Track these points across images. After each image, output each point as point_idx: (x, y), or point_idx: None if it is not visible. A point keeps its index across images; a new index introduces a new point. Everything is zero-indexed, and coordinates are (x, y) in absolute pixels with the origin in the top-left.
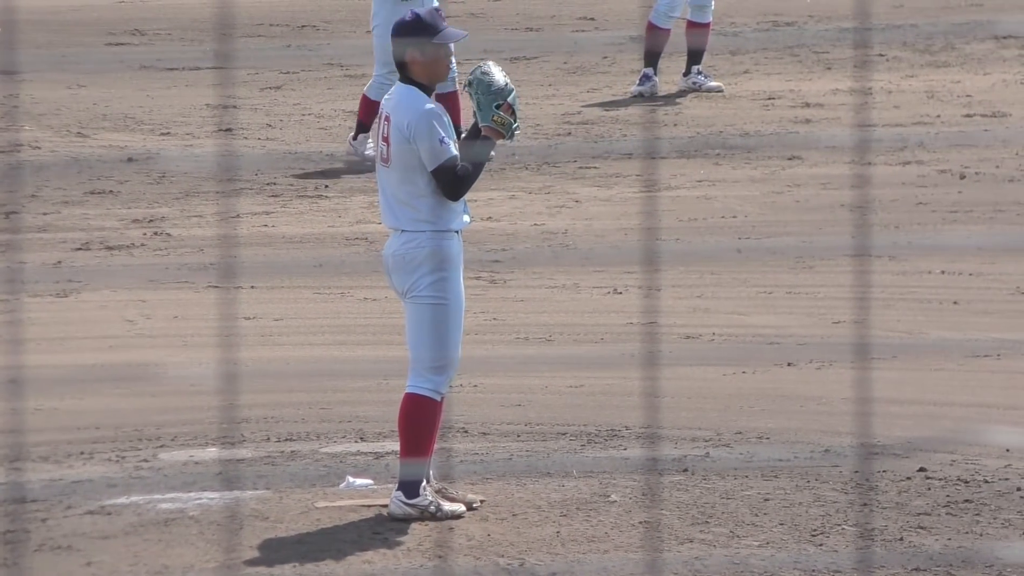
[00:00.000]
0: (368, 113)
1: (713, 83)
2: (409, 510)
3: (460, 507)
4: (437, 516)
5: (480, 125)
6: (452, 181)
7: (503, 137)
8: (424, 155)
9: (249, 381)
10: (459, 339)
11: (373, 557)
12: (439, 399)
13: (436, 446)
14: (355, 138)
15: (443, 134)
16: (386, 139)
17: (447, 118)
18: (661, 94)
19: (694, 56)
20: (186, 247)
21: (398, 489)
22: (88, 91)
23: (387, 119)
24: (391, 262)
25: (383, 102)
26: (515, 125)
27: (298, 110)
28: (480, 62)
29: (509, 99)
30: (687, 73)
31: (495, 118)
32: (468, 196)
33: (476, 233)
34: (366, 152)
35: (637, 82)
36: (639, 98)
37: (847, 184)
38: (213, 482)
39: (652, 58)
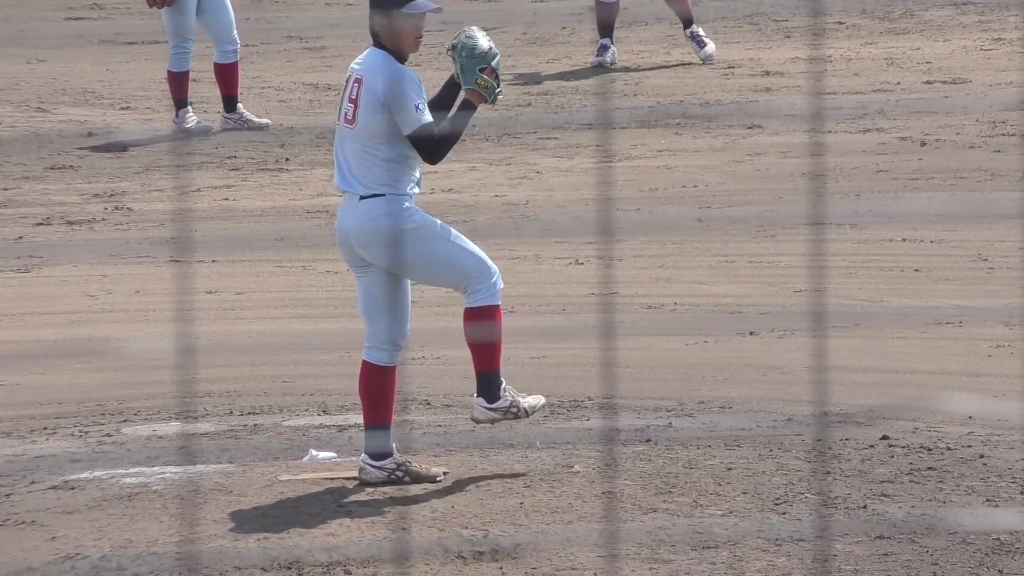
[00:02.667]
0: (176, 87)
1: (709, 50)
2: (378, 473)
3: (435, 470)
4: (404, 480)
5: (463, 88)
6: (430, 146)
7: (485, 101)
8: (400, 122)
9: (211, 355)
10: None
11: (337, 530)
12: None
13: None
14: (176, 115)
15: (418, 100)
16: (354, 101)
17: (420, 84)
18: (621, 63)
19: (685, 22)
20: (147, 221)
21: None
22: (47, 66)
23: (357, 81)
24: (355, 237)
25: (352, 66)
26: (498, 89)
27: (257, 83)
28: (463, 27)
29: (493, 63)
30: (686, 29)
31: (479, 81)
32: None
33: (437, 205)
34: (186, 126)
35: (595, 53)
36: (599, 68)
37: (807, 152)
38: (176, 456)
39: (606, 29)
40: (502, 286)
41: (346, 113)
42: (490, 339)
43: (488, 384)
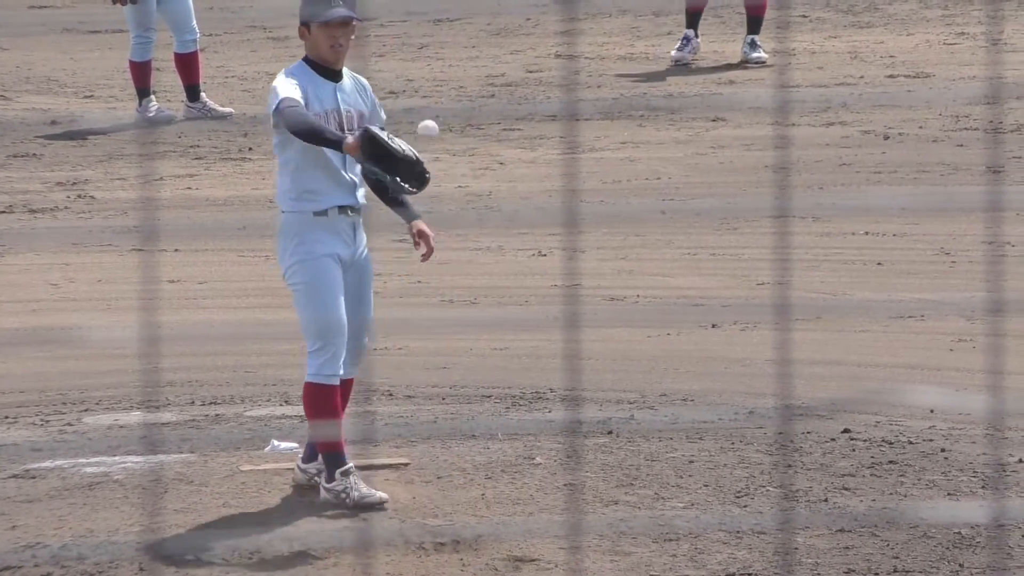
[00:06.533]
0: (139, 77)
1: (759, 54)
2: (327, 495)
3: (376, 496)
4: (346, 503)
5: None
6: (286, 119)
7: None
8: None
9: (173, 344)
10: (329, 319)
11: (298, 520)
12: (321, 383)
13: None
14: (140, 104)
15: (276, 84)
16: None
17: (295, 78)
18: (589, 56)
19: (752, 24)
20: (109, 210)
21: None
22: (10, 54)
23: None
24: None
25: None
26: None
27: (221, 72)
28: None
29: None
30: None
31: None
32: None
33: None
34: (149, 115)
35: (677, 47)
36: (681, 65)
37: (771, 145)
38: (137, 446)
39: (692, 19)
40: (332, 371)
41: None
42: (315, 419)
43: (326, 462)
